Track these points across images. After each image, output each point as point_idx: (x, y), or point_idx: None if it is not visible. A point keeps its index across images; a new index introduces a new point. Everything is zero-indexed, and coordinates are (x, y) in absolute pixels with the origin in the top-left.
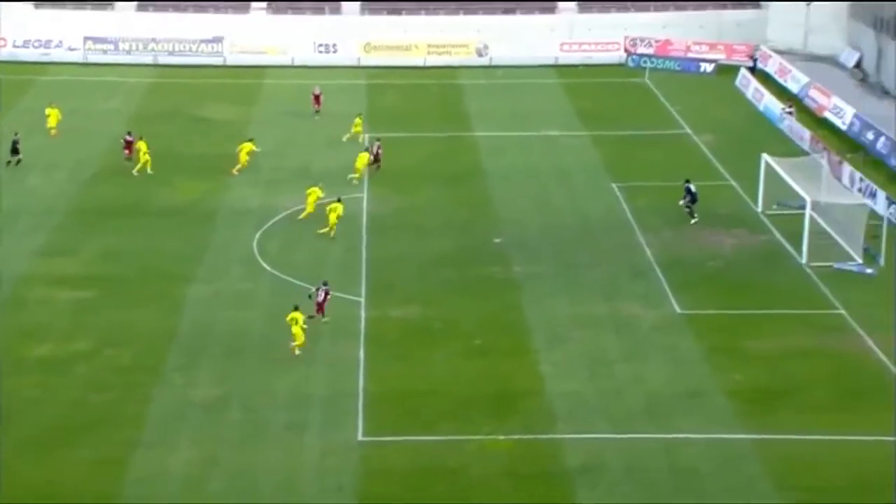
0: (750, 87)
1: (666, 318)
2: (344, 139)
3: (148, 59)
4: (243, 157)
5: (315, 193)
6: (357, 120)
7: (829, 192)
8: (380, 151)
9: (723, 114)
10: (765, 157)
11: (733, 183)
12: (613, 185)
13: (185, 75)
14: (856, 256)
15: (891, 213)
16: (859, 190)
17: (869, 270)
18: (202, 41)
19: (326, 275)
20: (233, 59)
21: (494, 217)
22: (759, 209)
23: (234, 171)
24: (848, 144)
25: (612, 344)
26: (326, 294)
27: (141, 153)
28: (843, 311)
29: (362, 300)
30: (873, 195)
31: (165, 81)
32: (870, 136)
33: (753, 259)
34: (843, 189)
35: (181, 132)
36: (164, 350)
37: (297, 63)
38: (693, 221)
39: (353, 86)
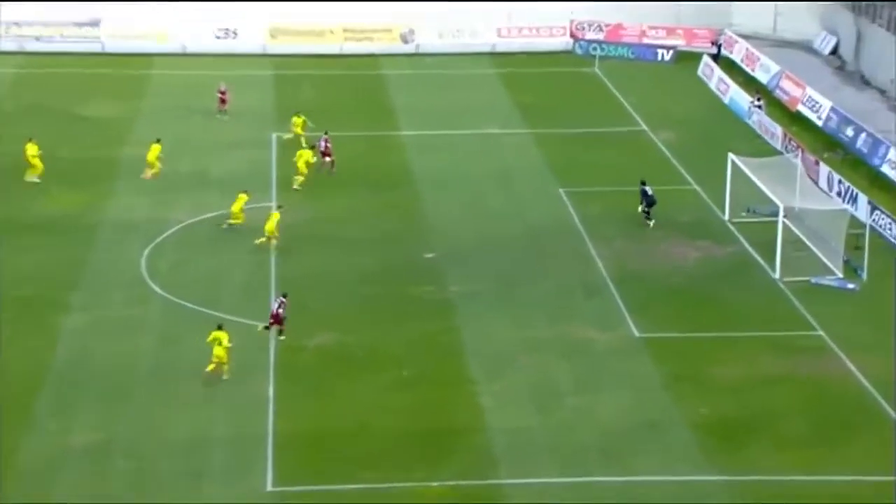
0: (714, 76)
1: (622, 342)
2: (284, 137)
3: (11, 47)
4: (153, 160)
5: (241, 200)
6: (296, 119)
7: (804, 196)
8: (329, 146)
9: (683, 108)
10: (731, 157)
11: (696, 187)
12: (561, 191)
13: (56, 65)
14: (835, 270)
15: (874, 221)
16: (838, 194)
17: (850, 285)
18: (75, 24)
19: (229, 297)
20: (113, 46)
21: (425, 228)
22: (726, 217)
23: (149, 176)
24: (824, 142)
25: (562, 372)
26: (283, 306)
27: (31, 157)
28: (821, 332)
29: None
30: (854, 200)
31: (33, 72)
32: (849, 131)
33: (720, 274)
34: (820, 193)
35: (53, 132)
36: (35, 391)
37: (190, 51)
38: (650, 224)
39: (257, 77)
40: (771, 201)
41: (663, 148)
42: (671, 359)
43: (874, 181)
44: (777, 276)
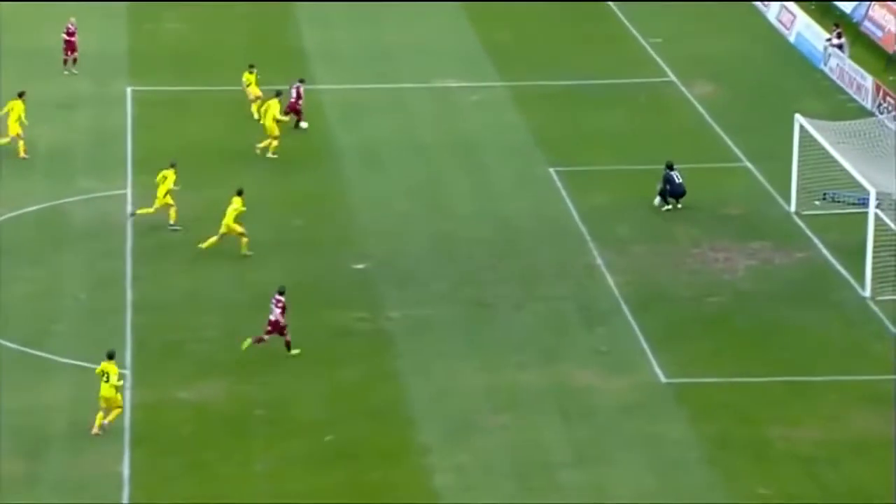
0: (773, 4)
1: (642, 392)
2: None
3: None
4: (13, 124)
5: (169, 179)
6: (248, 77)
7: None
8: (300, 101)
9: (729, 49)
10: (799, 119)
11: (748, 164)
12: (551, 171)
13: None
14: None
15: None
16: None
17: None
18: None
19: (63, 328)
20: None
21: (354, 227)
22: (792, 208)
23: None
24: None
25: (555, 435)
26: (282, 307)
27: None
28: None
29: (127, 373)
30: None
31: None
32: None
33: (783, 291)
34: None
35: None
36: None
37: None
38: (665, 209)
39: (108, 9)
40: (858, 184)
41: (700, 108)
42: (714, 416)
43: None
44: (867, 293)
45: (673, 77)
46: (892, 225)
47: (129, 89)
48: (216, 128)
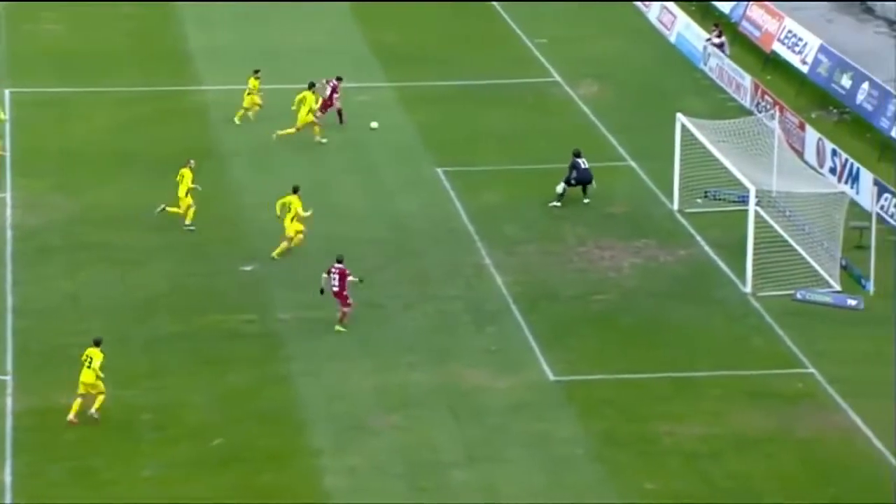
0: (654, 4)
1: (531, 390)
2: (236, 120)
3: None
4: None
5: (187, 178)
6: (254, 81)
7: (784, 174)
8: (335, 96)
9: (613, 50)
10: (681, 118)
11: (631, 163)
12: (439, 171)
13: None
14: (830, 280)
15: (882, 208)
16: (832, 170)
17: (852, 301)
18: None
19: None
20: None
21: (243, 229)
22: (675, 206)
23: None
24: (812, 96)
25: (446, 435)
26: (343, 276)
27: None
28: (812, 370)
29: (8, 378)
30: (855, 178)
31: None
32: (846, 81)
33: (667, 288)
34: (807, 170)
35: None
36: None
37: None
38: (554, 204)
39: None
40: (738, 183)
41: (584, 107)
42: (601, 413)
43: (884, 151)
44: (748, 289)
45: (558, 77)
46: (771, 222)
47: (7, 91)
48: (98, 129)
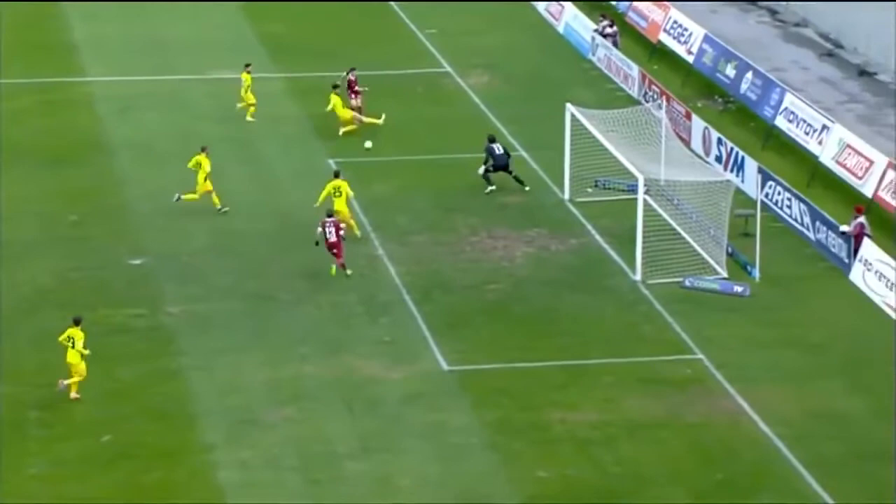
0: None
1: (425, 380)
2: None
3: None
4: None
5: (204, 164)
6: (246, 76)
7: (671, 163)
8: (355, 87)
9: (502, 40)
10: (570, 108)
11: (522, 153)
12: (331, 162)
13: None
14: (717, 267)
15: (767, 196)
16: (718, 159)
17: (738, 288)
18: None
19: None
20: None
21: (131, 222)
22: (566, 195)
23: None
24: (698, 85)
25: (340, 427)
26: (339, 228)
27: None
28: (700, 356)
29: None
30: (741, 167)
31: None
32: (730, 70)
33: (559, 277)
34: (694, 158)
35: None
36: None
37: None
38: (488, 190)
39: None
40: (627, 172)
41: (475, 98)
42: (495, 401)
43: (767, 139)
44: (638, 277)
45: (449, 68)
46: (659, 210)
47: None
48: None
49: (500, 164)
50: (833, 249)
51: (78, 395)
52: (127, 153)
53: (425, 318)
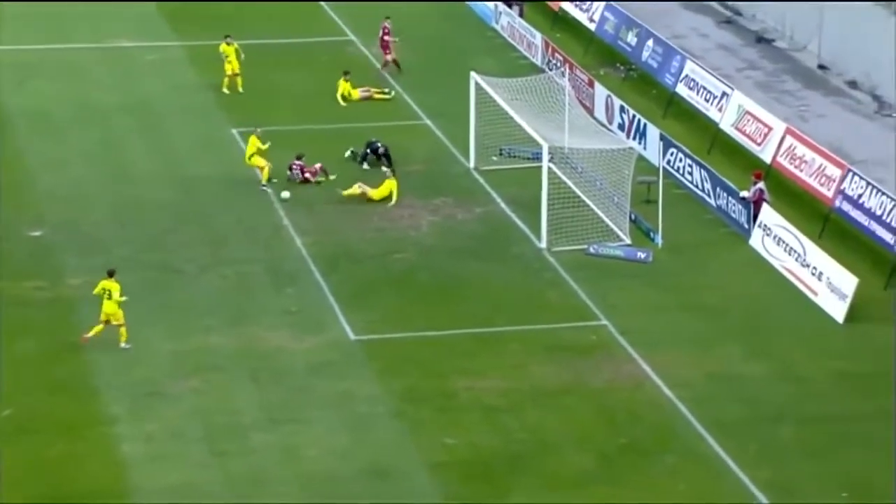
0: None
1: (331, 350)
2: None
3: None
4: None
5: (252, 143)
6: (225, 48)
7: (575, 131)
8: (388, 37)
9: (407, 8)
10: (475, 77)
11: (427, 122)
12: (234, 132)
13: None
14: (621, 233)
15: (668, 163)
16: (621, 126)
17: (641, 254)
18: None
19: None
20: None
21: (29, 193)
22: (471, 164)
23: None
24: (600, 53)
25: (246, 398)
26: (303, 170)
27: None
28: (605, 322)
29: None
30: (643, 134)
31: None
32: (631, 38)
33: (465, 245)
34: (596, 126)
35: None
36: None
37: None
38: (387, 171)
39: None
40: (531, 139)
41: (378, 66)
42: (402, 370)
43: (669, 106)
44: (543, 244)
45: (353, 36)
46: (564, 178)
47: None
48: None
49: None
50: (733, 215)
51: (127, 345)
52: (23, 123)
53: (332, 287)
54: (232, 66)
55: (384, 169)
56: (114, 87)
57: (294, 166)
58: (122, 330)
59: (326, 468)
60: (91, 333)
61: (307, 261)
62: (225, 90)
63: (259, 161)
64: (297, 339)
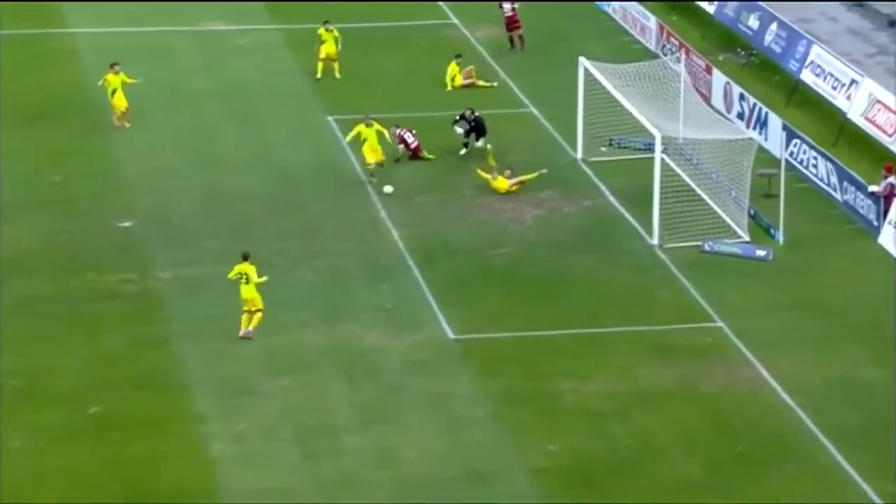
0: None
1: (429, 350)
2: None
3: None
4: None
5: (372, 135)
6: (323, 32)
7: (690, 120)
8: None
9: None
10: (584, 62)
11: (533, 110)
12: (330, 119)
13: None
14: (739, 230)
15: (792, 155)
16: (740, 116)
17: (761, 252)
18: None
19: None
20: None
21: (118, 182)
22: (579, 154)
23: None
24: (719, 37)
25: (338, 397)
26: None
27: None
28: (720, 324)
29: None
30: (764, 124)
31: None
32: (753, 21)
33: (571, 241)
34: (714, 115)
35: None
36: None
37: None
38: (465, 150)
39: None
40: (643, 129)
41: (481, 49)
42: (502, 371)
43: (792, 94)
44: (655, 240)
45: (454, 18)
46: (678, 170)
47: None
48: None
49: (475, 132)
50: (861, 211)
51: (247, 335)
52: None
53: (429, 283)
54: (328, 50)
55: (479, 144)
56: (205, 71)
57: (401, 132)
58: (258, 317)
59: (421, 472)
60: (251, 327)
61: (404, 254)
62: (318, 76)
63: (370, 152)
64: (392, 337)
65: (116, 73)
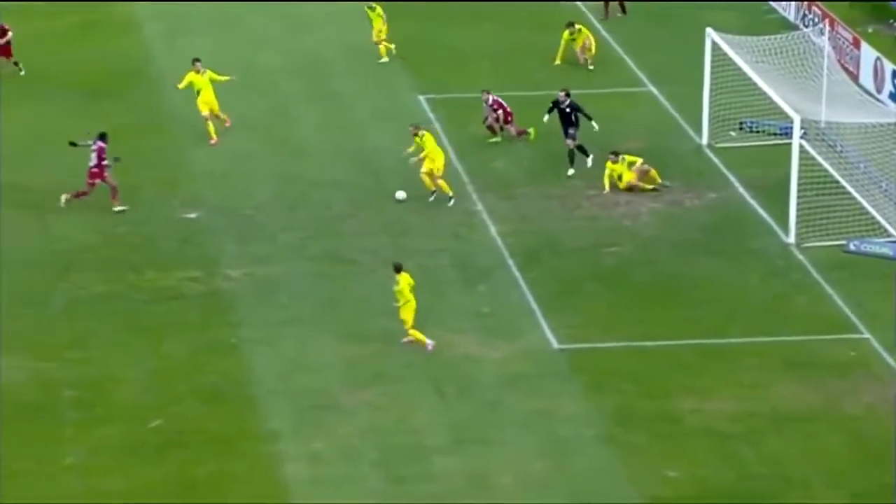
0: None
1: (531, 360)
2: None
3: None
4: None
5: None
6: (370, 13)
7: (834, 102)
8: None
9: None
10: (711, 33)
11: (651, 88)
12: (421, 98)
13: None
14: (889, 228)
15: None
16: (892, 96)
17: None
18: None
19: None
20: None
21: (182, 168)
22: (704, 140)
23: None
24: (869, 5)
25: (428, 414)
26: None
27: None
28: (867, 336)
29: None
30: None
31: None
32: None
33: (693, 239)
34: (862, 96)
35: None
36: None
37: None
38: (588, 161)
39: None
40: (779, 111)
41: (594, 21)
42: (613, 386)
43: None
44: (791, 239)
45: None
46: (819, 159)
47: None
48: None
49: (572, 123)
50: None
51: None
52: (176, 84)
53: (531, 286)
54: (377, 31)
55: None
56: (280, 44)
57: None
58: (410, 330)
59: (520, 499)
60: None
61: (503, 253)
62: (383, 58)
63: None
64: (489, 346)
65: (199, 71)
